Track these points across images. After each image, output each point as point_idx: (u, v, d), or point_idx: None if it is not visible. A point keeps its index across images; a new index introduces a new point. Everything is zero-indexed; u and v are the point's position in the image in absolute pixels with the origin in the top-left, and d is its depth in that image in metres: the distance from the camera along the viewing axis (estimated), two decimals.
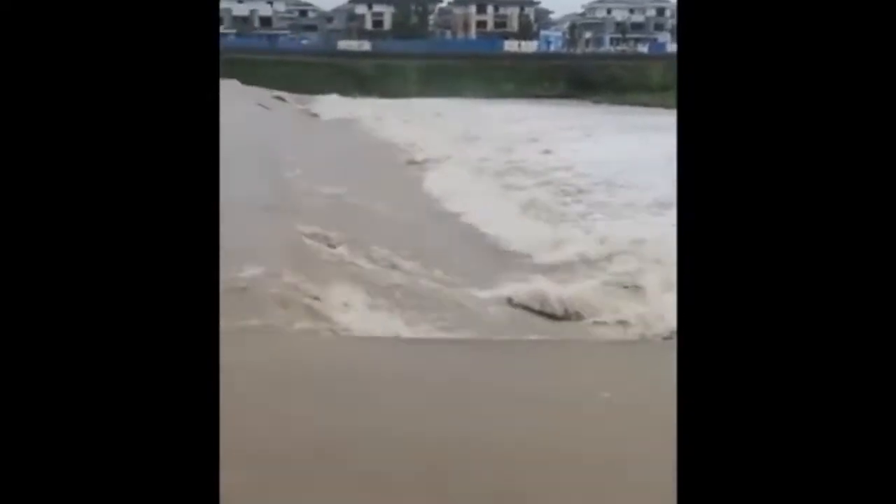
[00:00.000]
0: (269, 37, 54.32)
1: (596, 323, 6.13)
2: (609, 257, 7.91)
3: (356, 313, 5.36)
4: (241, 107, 22.62)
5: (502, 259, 8.36)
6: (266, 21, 63.05)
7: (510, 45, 47.95)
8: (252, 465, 2.59)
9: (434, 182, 12.89)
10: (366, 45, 47.70)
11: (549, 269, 7.65)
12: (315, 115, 27.45)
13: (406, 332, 5.22)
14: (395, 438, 3.04)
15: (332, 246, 7.14)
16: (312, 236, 7.16)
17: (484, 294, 6.72)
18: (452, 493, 2.68)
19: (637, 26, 63.32)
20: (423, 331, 5.39)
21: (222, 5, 62.83)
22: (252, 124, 17.32)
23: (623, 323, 6.04)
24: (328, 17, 69.80)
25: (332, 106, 29.64)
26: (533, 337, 5.55)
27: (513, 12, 59.66)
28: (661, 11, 63.66)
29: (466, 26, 54.37)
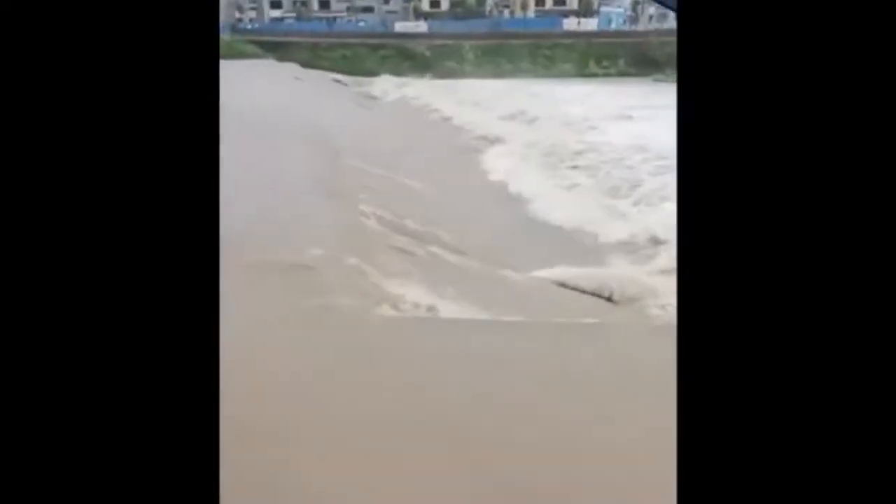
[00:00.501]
0: (328, 20, 54.74)
1: (654, 307, 6.05)
2: (670, 242, 7.76)
3: (412, 293, 5.45)
4: (299, 90, 22.99)
5: (560, 241, 8.32)
6: (325, 4, 63.53)
7: (569, 24, 46.93)
8: (324, 431, 2.71)
9: (492, 163, 12.87)
10: (422, 27, 47.52)
11: (608, 252, 7.58)
12: (373, 98, 27.64)
13: (460, 313, 5.29)
14: (447, 415, 3.12)
15: (389, 227, 7.25)
16: (370, 218, 7.28)
17: (539, 275, 6.72)
18: (502, 470, 2.74)
19: None
20: (476, 312, 5.45)
21: None
22: (310, 108, 17.59)
23: None
24: None
25: (389, 88, 29.76)
26: (587, 320, 5.54)
27: None
28: None
29: (525, 5, 53.44)
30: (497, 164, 12.68)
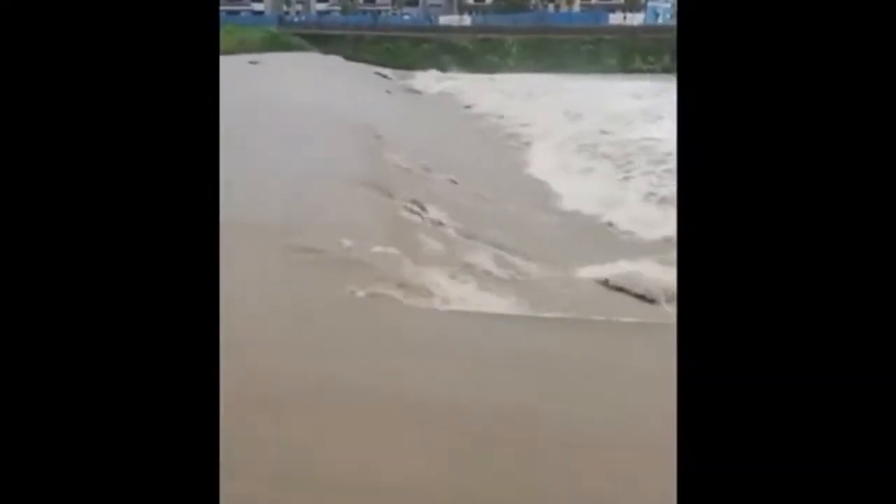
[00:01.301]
0: (372, 13, 55.08)
1: None
2: None
3: (452, 288, 5.45)
4: (342, 83, 23.18)
5: (603, 239, 8.22)
6: None
7: (615, 18, 46.30)
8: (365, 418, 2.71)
9: (534, 158, 12.78)
10: (466, 20, 47.48)
11: (651, 251, 7.45)
12: (415, 91, 27.72)
13: (501, 309, 5.27)
14: (484, 410, 3.10)
15: (429, 220, 7.26)
16: (410, 211, 7.30)
17: (581, 274, 6.65)
18: (544, 467, 2.71)
19: None
20: (518, 308, 5.42)
21: None
22: (352, 100, 17.72)
23: None
24: None
25: (432, 81, 29.80)
26: (627, 319, 5.45)
27: None
28: None
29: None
30: (539, 160, 12.58)
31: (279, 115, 12.58)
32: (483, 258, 6.59)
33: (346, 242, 5.39)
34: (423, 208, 7.52)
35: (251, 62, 29.09)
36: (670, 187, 11.34)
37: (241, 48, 36.34)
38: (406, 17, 54.14)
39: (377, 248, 5.48)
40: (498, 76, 32.38)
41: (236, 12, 56.83)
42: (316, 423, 2.91)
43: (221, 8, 59.19)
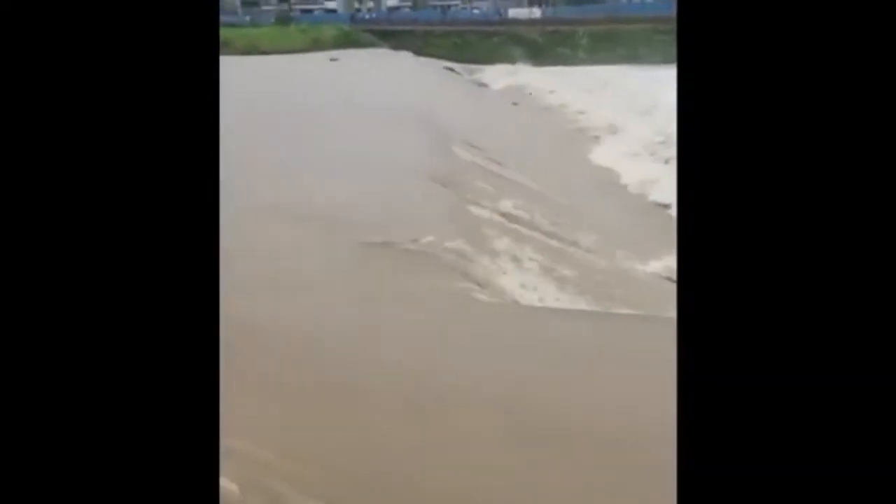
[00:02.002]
0: (442, 8, 55.23)
1: None
2: None
3: (520, 283, 5.46)
4: (411, 78, 23.39)
5: (673, 233, 8.02)
6: None
7: None
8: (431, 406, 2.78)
9: (604, 152, 12.58)
10: (536, 13, 46.98)
11: None
12: (484, 85, 27.67)
13: (571, 304, 5.25)
14: (544, 406, 3.11)
15: (498, 216, 7.28)
16: (480, 206, 7.33)
17: (652, 268, 6.53)
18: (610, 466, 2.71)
19: None
20: (585, 302, 5.38)
21: None
22: (421, 95, 17.86)
23: None
24: None
25: (501, 75, 29.66)
26: None
27: None
28: None
29: None
30: (609, 153, 12.37)
31: (348, 110, 12.83)
32: (551, 252, 6.57)
33: (415, 236, 5.48)
34: (492, 202, 7.55)
35: (332, 59, 29.82)
36: None
37: (315, 46, 37.27)
38: (475, 11, 54.00)
39: (445, 242, 5.55)
40: (568, 68, 31.92)
41: (310, 11, 58.12)
42: (375, 413, 2.99)
43: (296, 7, 60.56)
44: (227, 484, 2.44)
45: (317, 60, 29.57)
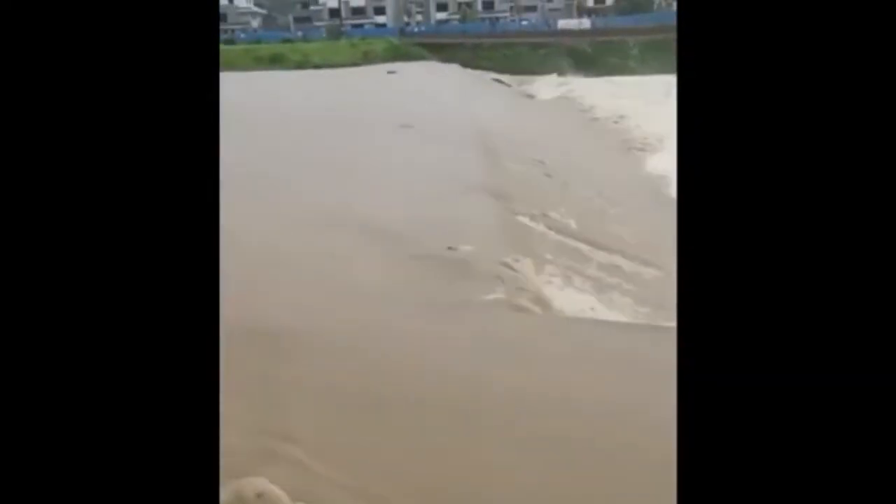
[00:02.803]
0: (491, 20, 55.50)
1: None
2: None
3: (570, 295, 5.40)
4: (460, 90, 23.50)
5: None
6: (488, 5, 64.54)
7: None
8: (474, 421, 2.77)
9: (656, 164, 12.36)
10: (585, 23, 46.74)
11: None
12: (533, 96, 27.62)
13: (620, 317, 5.16)
14: (586, 420, 3.06)
15: (548, 227, 7.23)
16: (530, 217, 7.29)
17: None
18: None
19: None
20: (639, 316, 5.28)
21: None
22: (470, 107, 17.92)
23: None
24: None
25: (551, 86, 29.57)
26: None
27: None
28: None
29: None
30: (662, 164, 12.16)
31: (398, 123, 12.96)
32: (602, 264, 6.48)
33: (465, 247, 5.48)
34: (542, 214, 7.50)
35: (389, 72, 30.35)
36: None
37: (366, 60, 37.88)
38: (524, 22, 54.04)
39: (495, 254, 5.53)
40: (618, 79, 31.64)
41: (360, 25, 59.17)
42: (414, 422, 2.99)
43: (347, 22, 61.65)
44: (276, 490, 2.47)
45: (374, 73, 30.06)
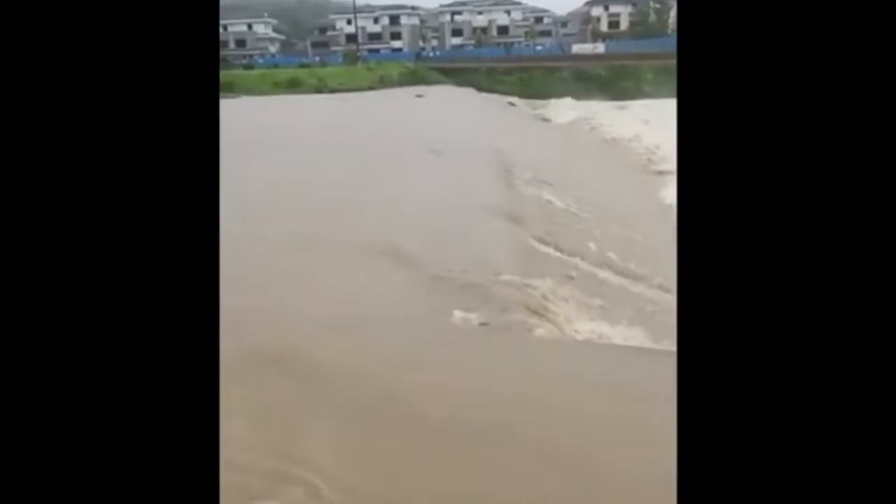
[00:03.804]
0: (505, 45, 56.04)
1: None
2: None
3: (583, 319, 5.39)
4: (474, 113, 23.66)
5: None
6: (503, 30, 65.23)
7: None
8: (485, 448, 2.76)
9: (669, 188, 12.34)
10: (600, 48, 47.06)
11: None
12: (546, 120, 27.74)
13: (632, 341, 5.13)
14: (612, 443, 3.04)
15: (561, 252, 7.23)
16: (543, 242, 7.30)
17: None
18: None
19: None
20: (650, 341, 5.25)
21: (463, 17, 66.19)
22: (484, 130, 18.03)
23: None
24: (563, 22, 70.12)
25: (563, 110, 29.70)
26: None
27: None
28: None
29: None
30: (673, 188, 12.14)
31: (411, 147, 13.06)
32: (615, 288, 6.46)
33: (480, 270, 5.50)
34: (557, 237, 7.51)
35: (417, 95, 30.78)
36: None
37: (382, 84, 38.38)
38: (539, 47, 54.49)
39: (508, 277, 5.54)
40: (632, 103, 31.72)
41: (376, 50, 59.99)
42: (430, 446, 2.98)
43: (363, 47, 62.51)
44: None
45: (391, 96, 30.36)
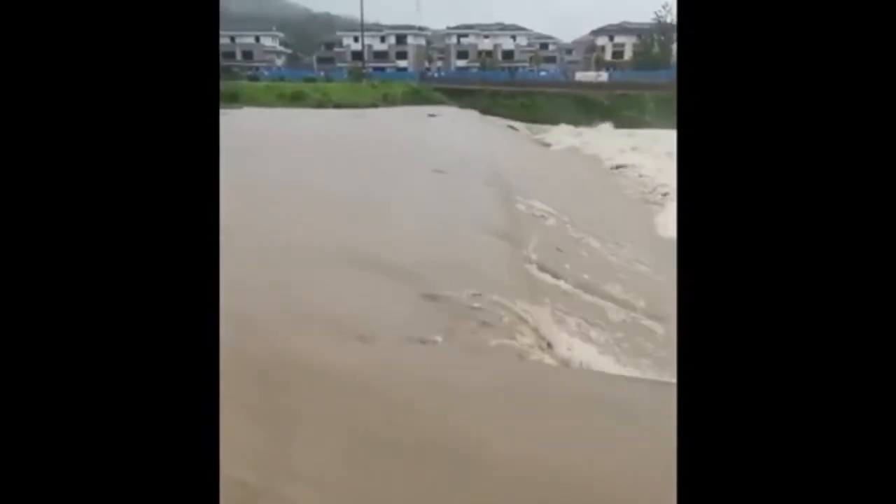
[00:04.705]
0: (510, 69, 56.52)
1: None
2: None
3: (578, 346, 5.35)
4: (476, 136, 23.79)
5: None
6: (508, 54, 65.85)
7: None
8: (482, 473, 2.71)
9: (669, 217, 12.38)
10: (603, 76, 47.53)
11: None
12: (547, 145, 27.89)
13: (628, 370, 5.09)
14: (607, 474, 2.99)
15: (559, 276, 7.20)
16: (541, 269, 7.28)
17: None
18: None
19: None
20: (646, 370, 5.21)
21: (469, 40, 66.84)
22: (485, 153, 18.10)
23: None
24: (567, 50, 70.88)
25: (566, 136, 29.89)
26: None
27: None
28: None
29: None
30: (673, 218, 12.18)
31: (413, 165, 13.09)
32: (611, 316, 6.43)
33: (475, 291, 5.46)
34: (554, 262, 7.49)
35: (430, 115, 31.01)
36: None
37: (384, 102, 38.61)
38: (543, 73, 54.96)
39: (504, 300, 5.50)
40: (635, 131, 31.94)
41: (382, 69, 60.44)
42: (415, 468, 2.93)
43: (369, 64, 63.07)
44: None
45: (395, 115, 30.51)
